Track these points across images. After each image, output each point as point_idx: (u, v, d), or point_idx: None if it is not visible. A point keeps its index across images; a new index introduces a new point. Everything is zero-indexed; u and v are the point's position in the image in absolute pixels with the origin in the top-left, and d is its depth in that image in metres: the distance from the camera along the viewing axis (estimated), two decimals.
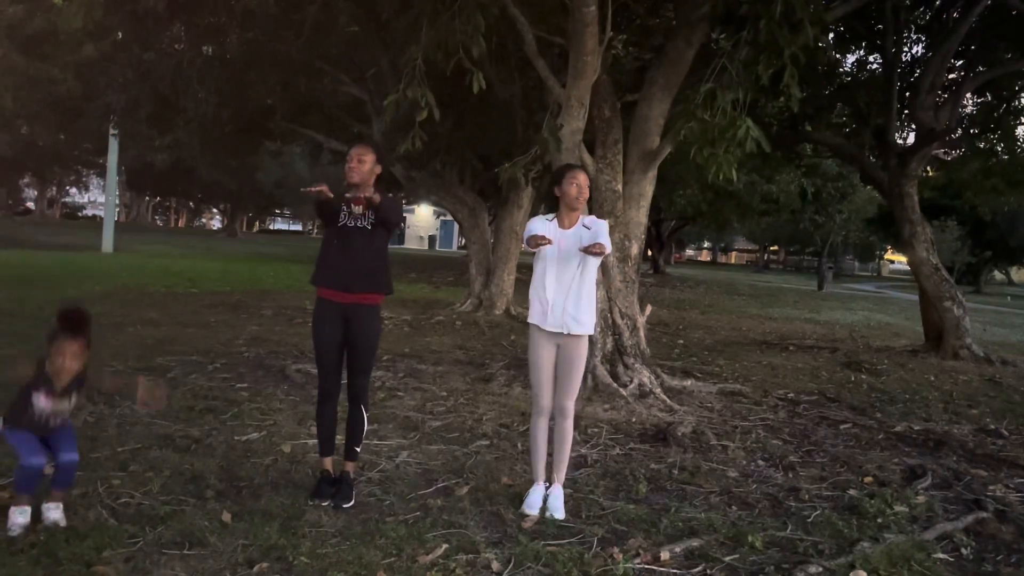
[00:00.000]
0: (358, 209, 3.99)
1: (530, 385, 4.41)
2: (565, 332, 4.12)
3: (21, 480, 3.48)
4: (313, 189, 3.80)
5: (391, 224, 4.09)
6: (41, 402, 3.49)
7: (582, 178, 4.18)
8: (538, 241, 3.98)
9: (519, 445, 5.39)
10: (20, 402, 3.51)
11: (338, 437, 4.32)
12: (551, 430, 4.25)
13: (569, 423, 4.19)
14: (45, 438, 3.55)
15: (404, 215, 4.16)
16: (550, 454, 4.25)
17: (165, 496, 3.99)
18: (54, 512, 3.54)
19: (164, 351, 8.13)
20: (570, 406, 4.18)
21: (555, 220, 4.22)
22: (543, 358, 4.18)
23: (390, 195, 4.12)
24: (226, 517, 3.74)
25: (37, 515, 3.52)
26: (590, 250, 3.89)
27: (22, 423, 3.50)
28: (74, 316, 3.56)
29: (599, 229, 4.09)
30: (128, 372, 6.97)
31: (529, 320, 4.26)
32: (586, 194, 4.21)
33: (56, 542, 3.33)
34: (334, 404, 4.23)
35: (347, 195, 4.01)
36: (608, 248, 3.93)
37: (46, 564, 3.17)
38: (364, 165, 4.01)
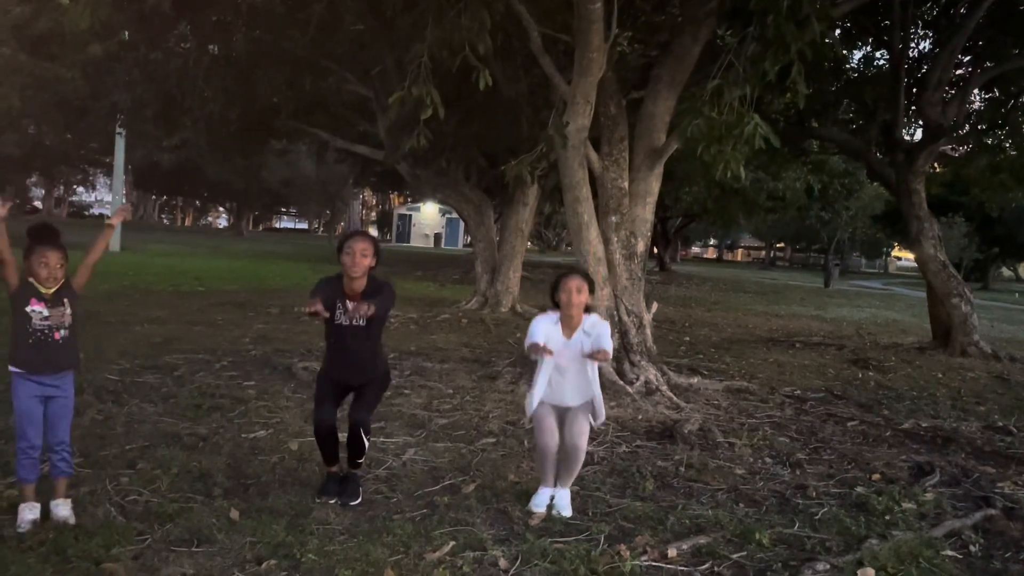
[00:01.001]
0: (353, 311, 4.01)
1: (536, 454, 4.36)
2: (570, 406, 4.14)
3: (21, 463, 3.50)
4: (308, 311, 3.80)
5: (385, 317, 4.18)
6: (36, 307, 3.49)
7: (573, 285, 4.10)
8: (537, 351, 3.97)
9: (525, 443, 5.39)
10: (17, 323, 3.50)
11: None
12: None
13: (581, 449, 4.13)
14: (46, 405, 3.54)
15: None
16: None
17: (173, 494, 4.01)
18: (63, 509, 3.56)
19: (171, 349, 8.15)
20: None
21: (559, 324, 4.16)
22: (548, 427, 4.12)
23: (379, 281, 4.10)
24: (234, 515, 3.75)
25: (46, 513, 3.54)
26: (595, 357, 3.91)
27: (28, 351, 3.48)
28: (43, 228, 3.58)
29: (600, 333, 4.07)
30: (136, 370, 7.00)
31: (528, 408, 4.21)
32: (578, 300, 4.11)
33: (65, 539, 3.34)
34: (334, 434, 4.14)
35: (343, 292, 4.03)
36: (610, 354, 3.95)
37: (55, 561, 3.18)
38: (366, 259, 3.99)
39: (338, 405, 4.23)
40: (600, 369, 7.28)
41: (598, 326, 4.13)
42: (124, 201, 42.27)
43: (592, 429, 4.27)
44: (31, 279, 3.51)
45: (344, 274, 4.02)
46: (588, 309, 4.20)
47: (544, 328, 4.13)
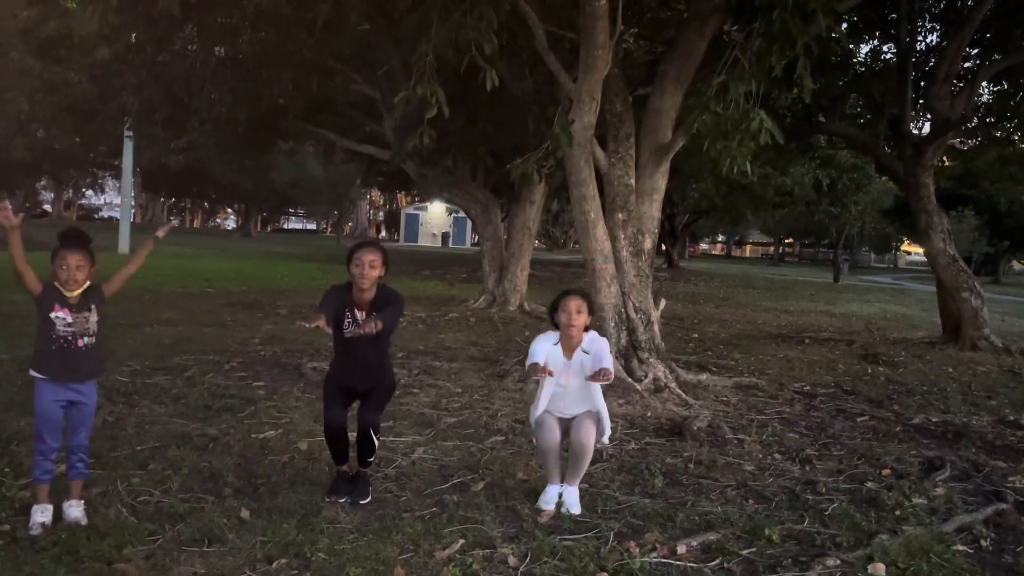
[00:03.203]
0: (362, 318, 4.01)
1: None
2: (574, 415, 4.14)
3: (37, 463, 3.51)
4: (310, 325, 3.77)
5: (393, 328, 4.17)
6: (59, 313, 3.48)
7: (573, 306, 4.10)
8: (537, 372, 3.97)
9: (533, 441, 5.38)
10: (41, 329, 3.50)
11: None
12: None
13: (588, 448, 4.12)
14: (68, 411, 3.56)
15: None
16: (566, 450, 4.25)
17: (184, 494, 4.03)
18: (75, 510, 3.58)
19: (181, 350, 8.19)
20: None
21: (559, 344, 4.16)
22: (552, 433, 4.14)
23: (388, 291, 4.11)
24: (244, 514, 3.77)
25: (58, 514, 3.56)
26: (597, 379, 3.89)
27: (51, 357, 3.48)
28: (73, 233, 3.58)
29: (599, 350, 4.06)
30: (147, 371, 7.03)
31: (532, 419, 4.22)
32: (578, 320, 4.10)
33: (77, 540, 3.37)
34: (344, 434, 4.16)
35: (352, 302, 4.04)
36: (612, 374, 3.92)
37: (67, 562, 3.20)
38: (375, 271, 4.01)
39: (347, 407, 4.25)
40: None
41: (596, 343, 4.13)
42: (133, 203, 42.45)
43: (599, 443, 4.24)
44: (56, 283, 3.50)
45: (353, 284, 4.04)
46: (587, 328, 4.20)
47: (544, 349, 4.13)
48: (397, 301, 4.08)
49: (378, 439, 4.15)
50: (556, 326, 4.22)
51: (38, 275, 3.50)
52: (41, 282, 3.49)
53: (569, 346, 4.16)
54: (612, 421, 5.93)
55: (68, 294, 3.50)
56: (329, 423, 4.11)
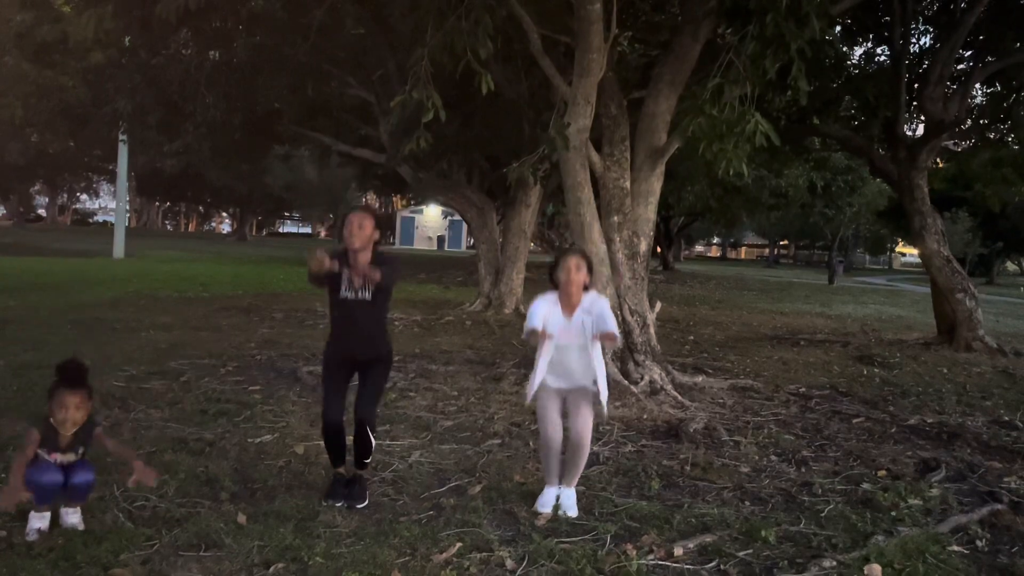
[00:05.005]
0: (359, 281, 4.03)
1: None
2: (573, 386, 4.14)
3: (38, 494, 3.51)
4: (314, 266, 3.79)
5: (391, 288, 4.19)
6: (51, 458, 3.53)
7: (572, 263, 4.10)
8: (536, 337, 3.98)
9: (531, 443, 5.40)
10: (36, 463, 3.52)
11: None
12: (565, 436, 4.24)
13: (585, 443, 4.13)
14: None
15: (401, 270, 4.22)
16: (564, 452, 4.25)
17: (180, 499, 4.03)
18: (72, 516, 3.57)
19: (177, 355, 8.18)
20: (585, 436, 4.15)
21: (558, 304, 4.15)
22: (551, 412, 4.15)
23: (385, 255, 4.14)
24: (241, 519, 3.77)
25: (55, 519, 3.55)
26: (603, 340, 3.91)
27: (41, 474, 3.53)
28: (73, 368, 3.60)
29: (600, 311, 4.05)
30: (143, 376, 7.02)
31: (530, 391, 4.21)
32: (577, 277, 4.10)
33: (74, 545, 3.36)
34: (341, 433, 4.16)
35: (348, 266, 4.02)
36: (618, 336, 3.94)
37: (64, 567, 3.20)
38: (364, 231, 4.02)
39: (344, 392, 4.21)
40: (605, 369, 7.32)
41: (597, 303, 4.11)
42: (127, 207, 42.31)
43: (598, 416, 4.23)
44: (52, 421, 3.52)
45: (347, 248, 4.04)
46: (587, 287, 4.19)
47: (544, 309, 4.11)
48: (394, 262, 4.11)
49: (374, 438, 4.15)
50: (555, 285, 4.20)
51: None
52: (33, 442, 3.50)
53: (569, 304, 4.13)
54: (608, 424, 5.96)
55: (63, 434, 3.53)
56: (327, 422, 4.11)
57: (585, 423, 4.07)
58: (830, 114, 12.98)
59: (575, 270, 4.09)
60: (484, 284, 14.92)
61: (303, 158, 39.25)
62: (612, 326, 3.94)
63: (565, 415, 4.21)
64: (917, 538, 3.85)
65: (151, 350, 8.42)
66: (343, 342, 4.18)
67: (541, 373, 4.13)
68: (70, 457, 3.56)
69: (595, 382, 4.10)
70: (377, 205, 77.23)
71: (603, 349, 4.19)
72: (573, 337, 4.10)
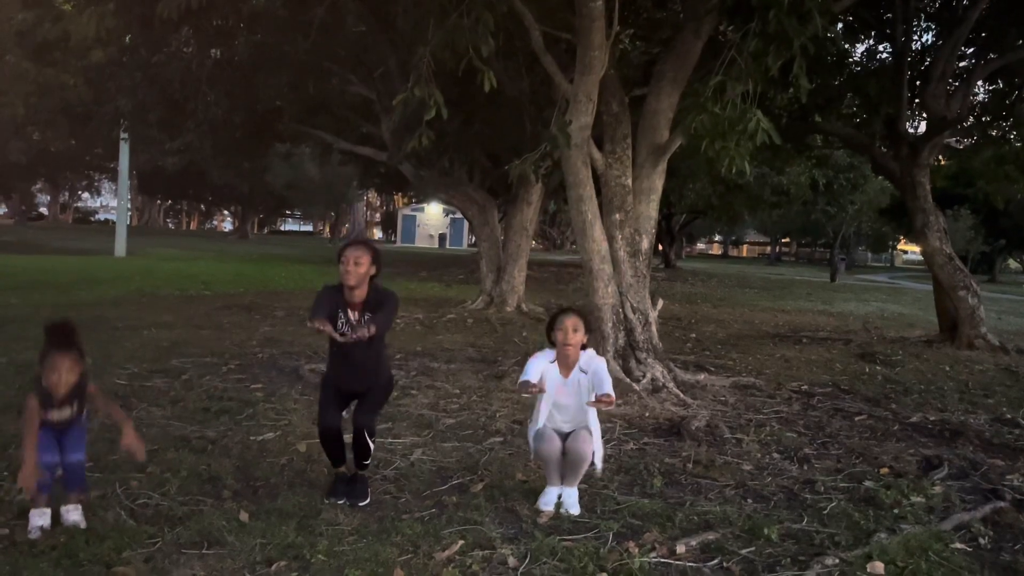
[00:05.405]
0: (355, 318, 4.01)
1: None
2: (572, 429, 4.14)
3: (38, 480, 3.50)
4: (314, 326, 3.79)
5: (388, 329, 4.16)
6: (48, 416, 3.54)
7: (569, 324, 4.10)
8: (527, 389, 3.96)
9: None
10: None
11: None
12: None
13: (586, 458, 4.12)
14: (59, 438, 3.59)
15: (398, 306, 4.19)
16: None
17: (183, 497, 4.03)
18: (74, 514, 3.57)
19: (179, 353, 8.18)
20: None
21: (555, 363, 4.15)
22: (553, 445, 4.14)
23: (381, 290, 4.09)
24: (243, 516, 3.77)
25: (57, 517, 3.55)
26: (600, 404, 3.89)
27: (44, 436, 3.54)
28: (61, 330, 3.60)
29: (597, 370, 4.05)
30: (145, 374, 7.02)
31: (531, 439, 4.22)
32: (574, 339, 4.10)
33: (76, 543, 3.36)
34: (339, 438, 4.15)
35: (344, 304, 4.02)
36: (614, 398, 3.92)
37: (66, 566, 3.20)
38: (360, 268, 3.98)
39: (343, 409, 4.23)
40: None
41: (594, 361, 4.13)
42: (129, 206, 42.32)
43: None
44: (45, 384, 3.53)
45: (343, 284, 4.01)
46: (584, 346, 4.20)
47: (540, 367, 4.12)
48: (390, 301, 4.05)
49: (373, 442, 4.14)
50: (553, 344, 4.20)
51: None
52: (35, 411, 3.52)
53: (566, 364, 4.15)
54: (610, 422, 5.96)
55: (55, 397, 3.54)
56: (324, 429, 4.10)
57: (584, 439, 4.07)
58: (832, 111, 12.96)
59: (572, 331, 4.11)
60: (486, 282, 14.91)
61: (304, 156, 39.24)
62: (609, 387, 3.93)
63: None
64: (920, 536, 3.85)
65: (153, 348, 8.43)
66: (342, 378, 4.17)
67: (542, 421, 4.16)
68: (65, 413, 3.56)
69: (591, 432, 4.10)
70: (378, 203, 77.42)
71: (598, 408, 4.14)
72: (570, 396, 4.12)
